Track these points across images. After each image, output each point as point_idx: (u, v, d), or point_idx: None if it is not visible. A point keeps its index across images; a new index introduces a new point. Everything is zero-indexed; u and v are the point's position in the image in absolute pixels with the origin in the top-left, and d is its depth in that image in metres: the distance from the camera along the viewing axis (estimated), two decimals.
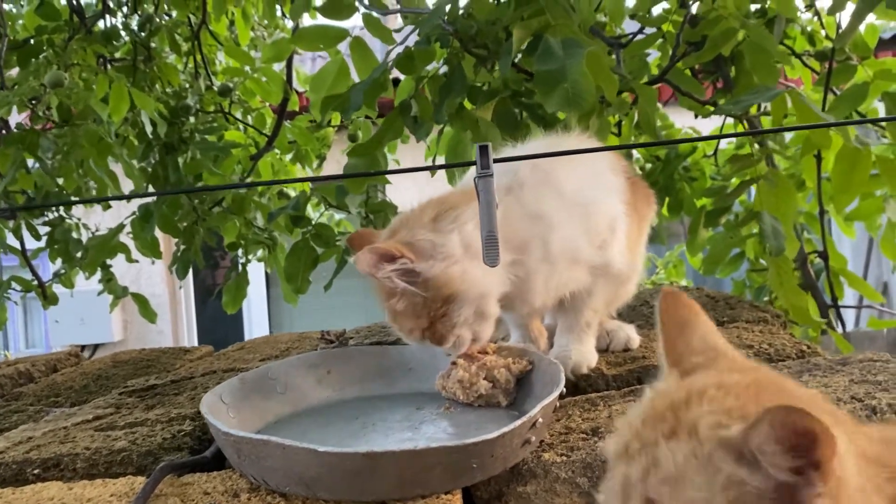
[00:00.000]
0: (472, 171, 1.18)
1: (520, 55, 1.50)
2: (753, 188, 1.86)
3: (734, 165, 1.74)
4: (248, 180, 2.73)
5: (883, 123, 1.85)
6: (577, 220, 1.08)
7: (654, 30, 1.87)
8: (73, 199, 2.44)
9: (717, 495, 0.49)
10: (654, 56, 2.08)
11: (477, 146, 0.91)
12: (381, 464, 0.74)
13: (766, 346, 1.17)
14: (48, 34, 2.59)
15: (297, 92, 2.85)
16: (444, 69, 1.70)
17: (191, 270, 2.71)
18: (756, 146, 1.75)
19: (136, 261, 2.85)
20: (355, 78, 2.01)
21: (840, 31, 1.94)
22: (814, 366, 1.04)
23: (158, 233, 2.60)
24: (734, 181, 1.81)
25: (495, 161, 0.92)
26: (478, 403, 0.99)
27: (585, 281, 1.11)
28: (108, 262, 3.14)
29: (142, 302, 2.96)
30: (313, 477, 0.77)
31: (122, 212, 2.87)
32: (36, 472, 0.92)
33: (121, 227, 2.56)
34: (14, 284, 2.99)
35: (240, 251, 2.62)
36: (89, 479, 0.89)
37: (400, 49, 1.71)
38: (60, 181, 2.53)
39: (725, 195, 1.79)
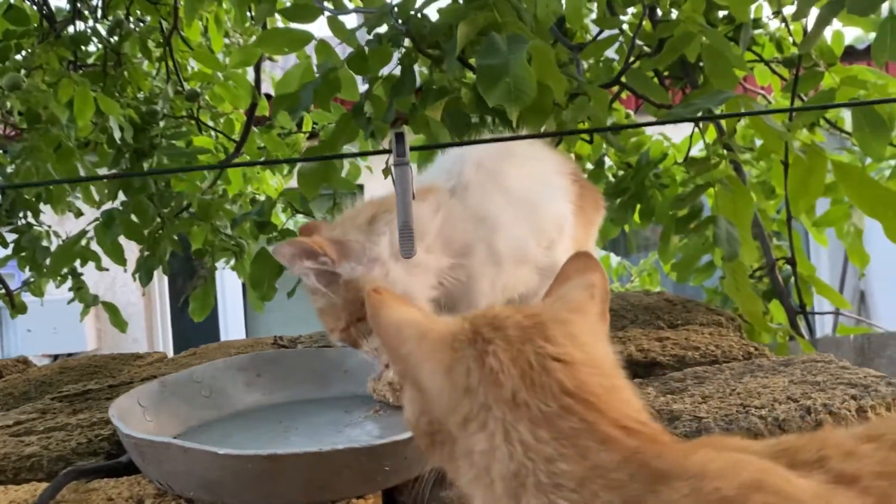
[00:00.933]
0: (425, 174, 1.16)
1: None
2: None
3: (693, 169, 1.72)
4: (217, 187, 2.70)
5: (850, 131, 1.84)
6: (524, 220, 1.06)
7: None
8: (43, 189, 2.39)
9: None
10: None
11: (392, 133, 0.89)
12: (284, 466, 0.71)
13: (714, 347, 1.14)
14: (16, 39, 2.57)
15: (267, 97, 2.83)
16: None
17: (167, 278, 2.68)
18: (724, 150, 1.73)
19: (107, 269, 2.81)
20: None
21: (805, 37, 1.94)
22: (757, 367, 1.01)
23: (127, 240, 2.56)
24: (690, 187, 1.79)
25: (412, 149, 0.90)
26: None
27: (533, 282, 1.08)
28: (80, 269, 3.10)
29: (112, 310, 2.92)
30: (216, 481, 0.73)
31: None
32: None
33: (83, 233, 2.52)
34: None
35: (206, 258, 2.59)
36: None
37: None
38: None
39: (679, 199, 1.77)
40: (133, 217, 2.45)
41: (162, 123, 2.70)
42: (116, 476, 0.85)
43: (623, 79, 1.68)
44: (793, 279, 2.12)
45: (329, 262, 0.90)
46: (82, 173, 2.58)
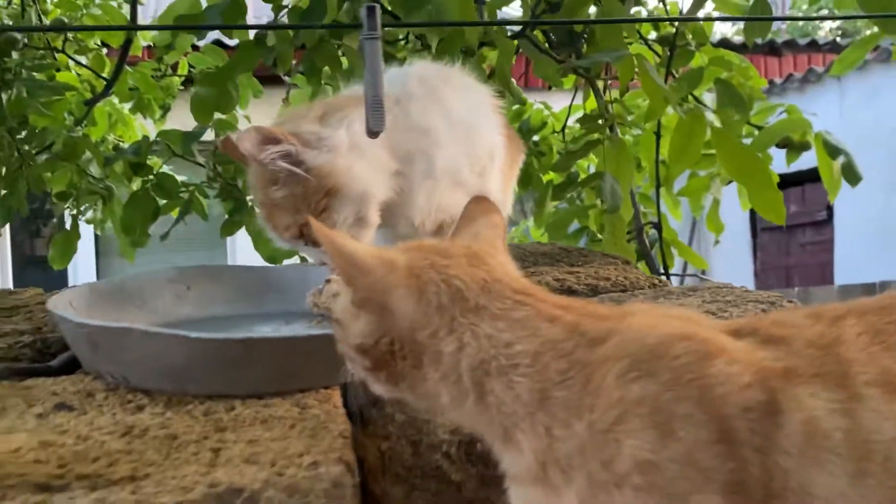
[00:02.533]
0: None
1: None
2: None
3: (586, 125, 1.82)
4: (83, 128, 2.52)
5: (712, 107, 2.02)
6: (460, 141, 1.08)
7: None
8: None
9: None
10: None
11: (364, 7, 0.88)
12: (258, 351, 0.70)
13: (623, 279, 1.23)
14: None
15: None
16: None
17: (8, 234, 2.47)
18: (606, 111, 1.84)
19: None
20: None
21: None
22: (667, 293, 1.11)
23: None
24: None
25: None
26: None
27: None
28: None
29: None
30: (182, 369, 0.71)
31: None
32: None
33: None
34: None
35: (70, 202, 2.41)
36: None
37: None
38: None
39: (568, 155, 1.87)
40: None
41: (16, 55, 2.48)
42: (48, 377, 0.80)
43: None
44: (658, 243, 2.30)
45: (293, 150, 0.89)
46: None
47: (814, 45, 5.75)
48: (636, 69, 1.61)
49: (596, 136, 1.79)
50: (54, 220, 2.74)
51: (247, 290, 1.03)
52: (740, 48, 3.62)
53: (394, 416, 0.71)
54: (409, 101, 1.06)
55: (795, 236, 5.84)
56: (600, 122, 1.80)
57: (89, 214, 2.60)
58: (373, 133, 0.89)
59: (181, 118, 2.34)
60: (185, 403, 0.71)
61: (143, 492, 0.57)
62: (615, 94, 2.06)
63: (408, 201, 1.02)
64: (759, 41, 2.27)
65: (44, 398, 0.73)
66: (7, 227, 4.99)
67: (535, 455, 0.50)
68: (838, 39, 6.12)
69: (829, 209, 5.33)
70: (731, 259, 5.26)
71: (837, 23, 9.72)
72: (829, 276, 5.55)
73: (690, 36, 2.21)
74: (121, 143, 2.81)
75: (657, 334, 0.50)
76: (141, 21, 2.69)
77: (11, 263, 4.75)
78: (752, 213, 3.14)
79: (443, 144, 1.04)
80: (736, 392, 0.47)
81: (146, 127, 2.78)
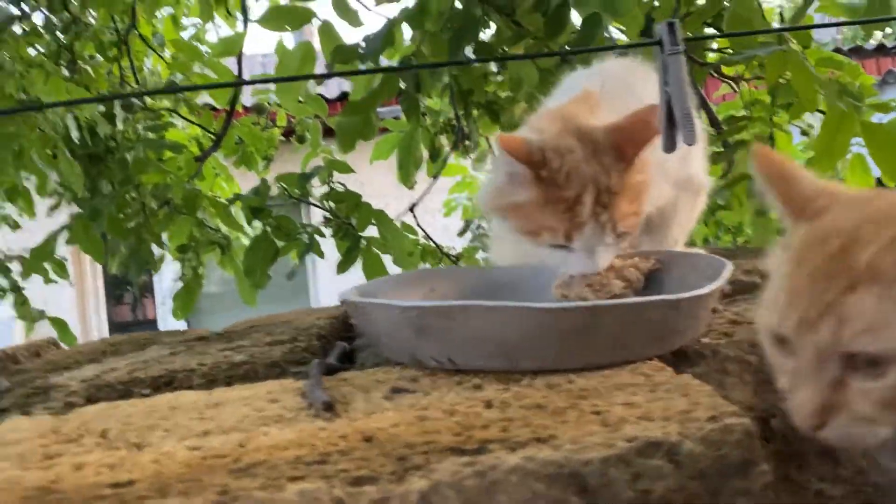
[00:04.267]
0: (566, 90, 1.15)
1: None
2: None
3: (729, 125, 1.81)
4: (194, 183, 2.56)
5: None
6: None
7: None
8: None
9: None
10: None
11: (664, 23, 0.88)
12: (602, 320, 0.68)
13: None
14: None
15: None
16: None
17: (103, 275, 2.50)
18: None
19: (56, 281, 2.62)
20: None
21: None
22: None
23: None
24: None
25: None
26: None
27: (670, 195, 1.10)
28: (22, 284, 2.88)
29: (60, 325, 2.72)
30: (516, 344, 0.69)
31: (35, 234, 2.63)
32: (146, 391, 0.79)
33: (60, 229, 2.35)
34: None
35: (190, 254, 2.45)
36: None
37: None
38: None
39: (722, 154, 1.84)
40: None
41: (121, 124, 2.57)
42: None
43: None
44: None
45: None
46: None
47: (882, 50, 5.70)
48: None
49: (743, 135, 1.77)
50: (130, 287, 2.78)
51: (487, 287, 1.01)
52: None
53: None
54: (611, 99, 1.05)
55: None
56: (742, 122, 1.79)
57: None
58: (671, 146, 0.88)
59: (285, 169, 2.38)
60: (518, 380, 0.70)
61: (563, 449, 0.55)
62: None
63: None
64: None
65: (370, 386, 0.72)
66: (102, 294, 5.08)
67: None
68: None
69: None
70: None
71: None
72: None
73: (795, 41, 2.21)
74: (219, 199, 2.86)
75: None
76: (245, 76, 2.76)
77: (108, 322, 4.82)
78: None
79: None
80: None
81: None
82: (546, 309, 0.68)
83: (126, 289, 4.89)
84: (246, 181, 2.92)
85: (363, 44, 1.59)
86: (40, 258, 2.31)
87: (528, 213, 0.90)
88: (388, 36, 1.58)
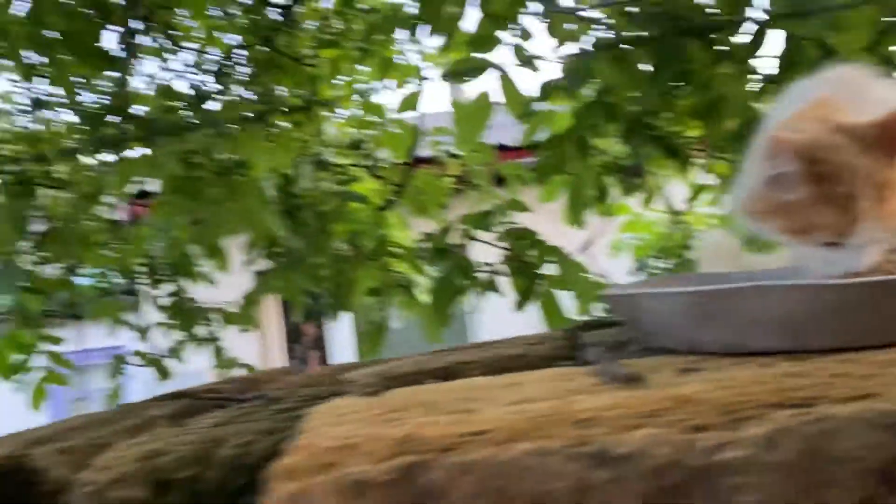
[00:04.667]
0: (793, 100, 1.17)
1: None
2: None
3: None
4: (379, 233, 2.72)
5: None
6: None
7: None
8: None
9: None
10: None
11: None
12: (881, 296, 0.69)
13: None
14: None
15: None
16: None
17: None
18: None
19: (248, 329, 2.82)
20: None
21: None
22: None
23: None
24: None
25: None
26: None
27: None
28: (217, 335, 3.11)
29: (251, 372, 2.91)
30: (802, 323, 0.71)
31: (223, 289, 2.86)
32: (434, 381, 0.86)
33: (263, 279, 2.55)
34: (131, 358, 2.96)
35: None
36: None
37: None
38: None
39: None
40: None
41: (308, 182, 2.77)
42: None
43: None
44: None
45: None
46: None
47: None
48: None
49: None
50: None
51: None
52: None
53: None
54: (846, 104, 1.05)
55: None
56: None
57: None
58: None
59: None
60: (808, 358, 0.71)
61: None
62: None
63: None
64: None
65: (657, 367, 0.75)
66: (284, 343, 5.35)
67: None
68: None
69: None
70: None
71: None
72: None
73: None
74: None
75: None
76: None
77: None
78: None
79: None
80: None
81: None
82: (837, 285, 0.70)
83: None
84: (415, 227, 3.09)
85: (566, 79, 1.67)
86: (248, 307, 2.51)
87: (797, 212, 0.91)
88: (586, 70, 1.65)
